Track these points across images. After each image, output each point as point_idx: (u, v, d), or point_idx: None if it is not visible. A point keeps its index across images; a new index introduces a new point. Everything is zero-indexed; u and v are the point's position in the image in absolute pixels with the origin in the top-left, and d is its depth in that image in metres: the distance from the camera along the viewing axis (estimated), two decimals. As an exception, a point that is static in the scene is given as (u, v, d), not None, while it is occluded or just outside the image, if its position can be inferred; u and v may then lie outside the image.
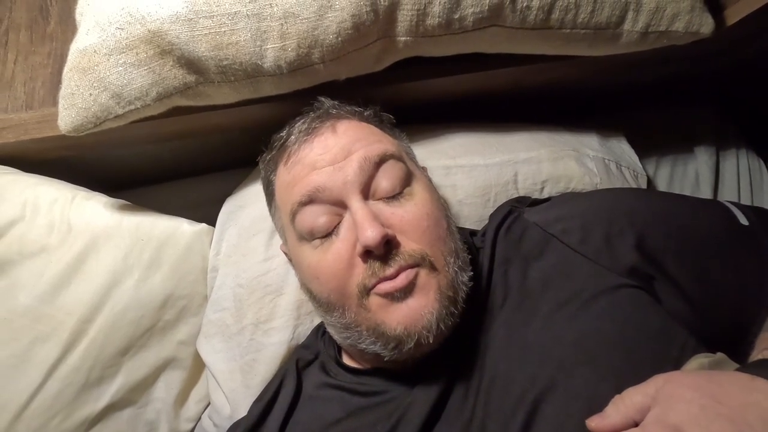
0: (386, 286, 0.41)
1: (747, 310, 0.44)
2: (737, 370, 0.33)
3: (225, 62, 0.49)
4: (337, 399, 0.47)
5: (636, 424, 0.31)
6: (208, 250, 0.61)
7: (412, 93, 0.62)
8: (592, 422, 0.32)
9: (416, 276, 0.41)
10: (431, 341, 0.40)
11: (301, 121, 0.49)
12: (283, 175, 0.48)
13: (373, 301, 0.42)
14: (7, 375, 0.53)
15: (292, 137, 0.48)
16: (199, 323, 0.60)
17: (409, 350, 0.40)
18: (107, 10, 0.48)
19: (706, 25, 0.55)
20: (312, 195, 0.44)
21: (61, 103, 0.51)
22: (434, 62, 0.58)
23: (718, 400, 0.28)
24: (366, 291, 0.42)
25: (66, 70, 0.50)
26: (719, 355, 0.36)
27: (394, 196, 0.45)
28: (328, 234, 0.44)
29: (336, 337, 0.48)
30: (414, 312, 0.40)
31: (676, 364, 0.37)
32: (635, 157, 0.69)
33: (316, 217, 0.44)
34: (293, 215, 0.46)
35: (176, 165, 0.73)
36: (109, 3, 0.48)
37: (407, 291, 0.41)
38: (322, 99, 0.52)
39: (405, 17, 0.50)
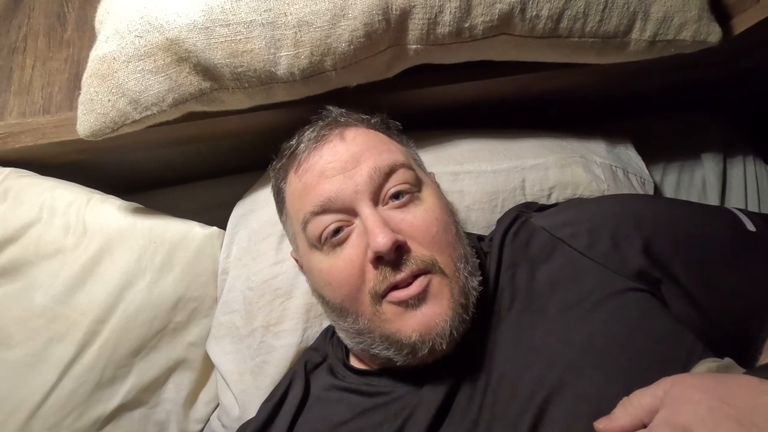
0: (400, 294, 0.41)
1: (754, 316, 0.44)
2: (746, 373, 0.33)
3: (240, 69, 0.50)
4: (344, 400, 0.47)
5: (644, 426, 0.31)
6: (218, 253, 0.62)
7: (421, 99, 0.63)
8: (600, 424, 0.33)
9: (429, 283, 0.42)
10: (445, 347, 0.41)
11: (310, 129, 0.50)
12: (293, 183, 0.49)
13: (387, 309, 0.42)
14: (23, 373, 0.54)
15: (302, 145, 0.49)
16: (209, 325, 0.61)
17: (423, 356, 0.41)
18: (126, 18, 0.50)
19: (713, 34, 0.55)
20: (324, 205, 0.45)
21: (80, 108, 0.52)
22: (443, 69, 0.59)
23: (726, 401, 0.29)
24: (378, 297, 0.42)
25: (85, 76, 0.52)
26: (727, 360, 0.36)
27: (403, 203, 0.45)
28: (339, 241, 0.45)
29: (347, 341, 0.48)
30: (428, 319, 0.41)
31: (684, 368, 0.37)
32: (642, 164, 0.69)
33: (327, 224, 0.45)
34: (305, 224, 0.46)
35: (188, 168, 0.74)
36: (129, 11, 0.50)
37: (421, 298, 0.41)
38: (330, 108, 0.53)
39: (416, 26, 0.51)
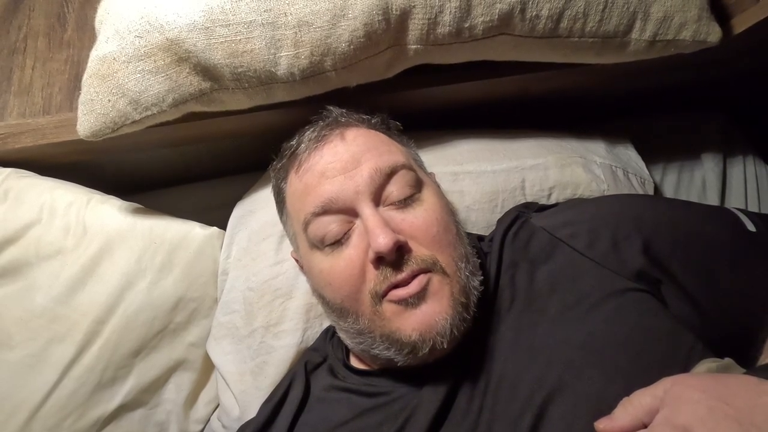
0: (400, 293, 0.41)
1: (754, 316, 0.44)
2: (745, 373, 0.33)
3: (240, 69, 0.50)
4: (344, 401, 0.47)
5: (644, 426, 0.31)
6: (218, 254, 0.62)
7: (421, 99, 0.63)
8: (601, 424, 0.33)
9: (429, 282, 0.42)
10: (446, 346, 0.41)
11: (311, 129, 0.50)
12: (294, 184, 0.49)
13: (387, 308, 0.42)
14: (24, 374, 0.54)
15: (302, 145, 0.49)
16: (209, 325, 0.61)
17: (424, 355, 0.41)
18: (127, 18, 0.50)
19: (713, 34, 0.55)
20: (325, 206, 0.45)
21: (81, 108, 0.52)
22: (443, 69, 0.59)
23: (725, 401, 0.29)
24: (378, 297, 0.42)
25: (86, 76, 0.52)
26: (727, 360, 0.36)
27: (404, 203, 0.45)
28: (339, 241, 0.45)
29: (348, 342, 0.48)
30: (428, 318, 0.41)
31: (684, 368, 0.37)
32: (642, 164, 0.69)
33: (328, 225, 0.45)
34: (306, 225, 0.46)
35: (188, 169, 0.74)
36: (129, 12, 0.50)
37: (421, 297, 0.41)
38: (331, 108, 0.53)
39: (416, 26, 0.51)
